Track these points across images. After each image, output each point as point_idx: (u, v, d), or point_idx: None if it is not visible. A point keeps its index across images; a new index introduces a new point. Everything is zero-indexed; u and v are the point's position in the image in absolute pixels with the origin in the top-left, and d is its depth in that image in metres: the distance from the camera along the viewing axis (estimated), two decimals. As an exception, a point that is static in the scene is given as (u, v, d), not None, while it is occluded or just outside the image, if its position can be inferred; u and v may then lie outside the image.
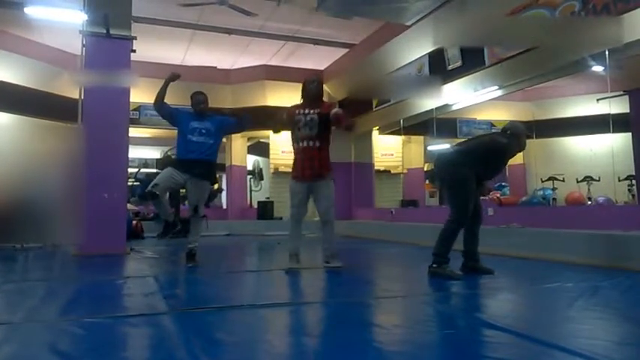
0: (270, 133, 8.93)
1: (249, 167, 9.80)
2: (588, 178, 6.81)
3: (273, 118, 3.87)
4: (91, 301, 2.64)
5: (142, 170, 8.40)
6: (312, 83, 3.65)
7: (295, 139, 3.56)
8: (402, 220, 7.09)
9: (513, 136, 3.28)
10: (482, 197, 3.36)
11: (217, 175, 13.73)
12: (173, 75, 3.87)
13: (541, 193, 6.73)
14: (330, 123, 3.45)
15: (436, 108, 6.71)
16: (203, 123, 3.86)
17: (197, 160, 3.78)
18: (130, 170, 6.61)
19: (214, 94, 8.64)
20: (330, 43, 7.99)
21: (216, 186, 12.84)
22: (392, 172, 9.35)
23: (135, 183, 7.65)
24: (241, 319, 2.14)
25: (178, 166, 3.83)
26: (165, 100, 3.88)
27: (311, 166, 3.49)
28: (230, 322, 2.09)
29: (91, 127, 4.84)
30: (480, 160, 3.15)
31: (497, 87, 5.76)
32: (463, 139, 3.76)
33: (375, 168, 9.02)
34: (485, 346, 1.74)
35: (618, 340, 1.82)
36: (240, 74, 8.82)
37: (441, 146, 6.63)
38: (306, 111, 3.52)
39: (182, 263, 3.93)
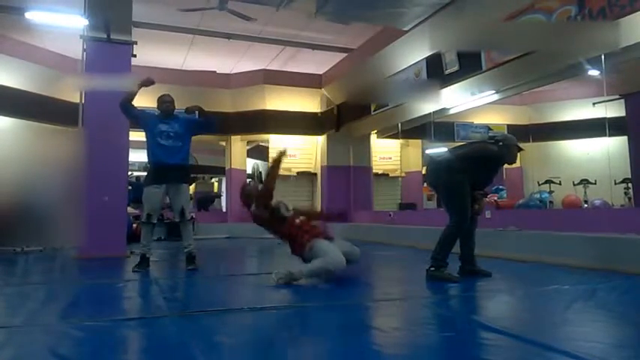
0: (269, 136, 9.02)
1: (249, 171, 9.82)
2: (585, 182, 6.85)
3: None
4: (92, 304, 2.65)
5: (134, 174, 8.35)
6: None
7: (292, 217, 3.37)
8: (400, 223, 7.11)
9: (505, 147, 3.30)
10: (477, 215, 3.34)
11: (217, 179, 13.73)
12: (147, 80, 3.84)
13: (538, 196, 6.76)
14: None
15: (434, 112, 6.75)
16: (171, 125, 3.86)
17: (169, 166, 3.79)
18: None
19: (214, 98, 8.72)
20: (329, 47, 8.03)
21: (215, 189, 12.89)
22: (390, 175, 9.38)
23: (128, 187, 7.67)
24: (241, 322, 2.16)
25: (152, 177, 3.82)
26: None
27: None
28: (230, 325, 2.10)
29: (91, 130, 4.87)
30: (472, 167, 3.17)
31: (494, 91, 5.80)
32: (460, 143, 3.79)
33: (374, 171, 9.05)
34: (483, 349, 1.75)
35: (616, 342, 1.84)
36: (239, 78, 8.86)
37: (438, 149, 6.66)
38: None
39: (182, 267, 3.94)
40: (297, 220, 3.30)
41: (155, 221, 3.85)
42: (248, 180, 8.38)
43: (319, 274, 3.06)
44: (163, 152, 3.81)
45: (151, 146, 3.88)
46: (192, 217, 3.97)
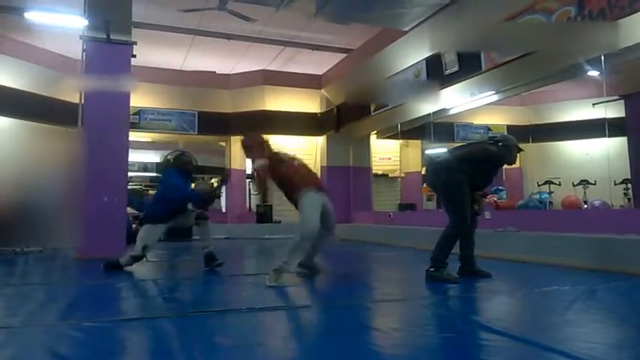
0: (269, 137, 9.02)
1: (248, 171, 9.82)
2: (584, 182, 6.84)
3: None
4: (91, 305, 2.65)
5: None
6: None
7: (290, 160, 3.48)
8: (400, 223, 7.11)
9: (505, 147, 3.31)
10: (476, 215, 3.34)
11: (217, 179, 13.75)
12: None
13: (537, 196, 6.76)
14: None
15: (433, 112, 6.75)
16: (189, 184, 4.01)
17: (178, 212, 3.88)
18: (130, 174, 6.58)
19: (214, 98, 8.73)
20: (328, 48, 8.03)
21: (214, 184, 12.87)
22: (390, 175, 9.38)
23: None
24: (241, 322, 2.15)
25: (161, 219, 3.82)
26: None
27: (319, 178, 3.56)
28: (229, 325, 2.11)
29: (91, 131, 4.86)
30: (472, 167, 3.17)
31: (493, 92, 5.80)
32: (460, 144, 3.78)
33: (373, 172, 9.05)
34: (482, 350, 1.75)
35: (616, 343, 1.84)
36: (239, 79, 8.87)
37: (437, 150, 6.67)
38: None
39: (181, 267, 3.93)
40: (296, 162, 3.44)
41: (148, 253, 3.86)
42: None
43: (298, 249, 3.14)
44: (177, 207, 3.88)
45: (175, 199, 3.87)
46: (207, 217, 3.99)
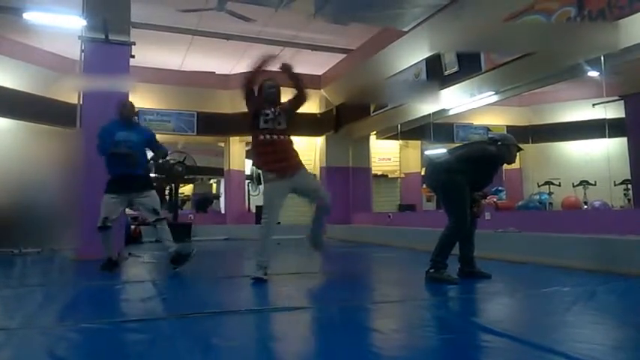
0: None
1: (247, 172, 9.81)
2: (584, 183, 6.85)
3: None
4: (89, 307, 2.64)
5: None
6: (270, 88, 3.52)
7: (260, 131, 3.35)
8: (399, 224, 7.10)
9: (504, 147, 3.30)
10: (476, 217, 3.32)
11: (216, 180, 13.70)
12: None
13: (537, 197, 6.75)
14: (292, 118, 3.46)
15: (433, 113, 6.75)
16: (129, 134, 3.79)
17: (127, 176, 3.72)
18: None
19: (213, 99, 8.72)
20: (328, 48, 8.03)
21: (214, 190, 12.86)
22: (389, 176, 9.37)
23: None
24: (239, 324, 2.15)
25: (112, 187, 3.73)
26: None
27: (287, 157, 3.30)
28: (228, 327, 2.10)
29: (89, 132, 4.84)
30: (471, 168, 3.17)
31: (493, 92, 5.80)
32: (459, 144, 3.77)
33: (373, 172, 9.04)
34: (482, 351, 1.75)
35: (616, 344, 1.83)
36: (238, 79, 8.84)
37: (437, 151, 6.66)
38: (271, 109, 3.45)
39: (181, 268, 3.90)
40: (262, 137, 3.33)
41: (110, 224, 3.73)
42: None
43: (263, 241, 3.24)
44: (119, 162, 3.76)
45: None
46: (164, 217, 3.93)
